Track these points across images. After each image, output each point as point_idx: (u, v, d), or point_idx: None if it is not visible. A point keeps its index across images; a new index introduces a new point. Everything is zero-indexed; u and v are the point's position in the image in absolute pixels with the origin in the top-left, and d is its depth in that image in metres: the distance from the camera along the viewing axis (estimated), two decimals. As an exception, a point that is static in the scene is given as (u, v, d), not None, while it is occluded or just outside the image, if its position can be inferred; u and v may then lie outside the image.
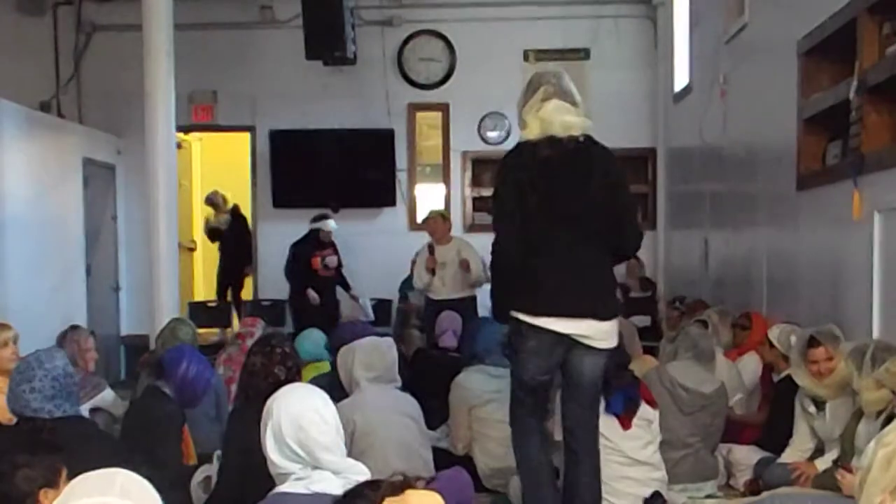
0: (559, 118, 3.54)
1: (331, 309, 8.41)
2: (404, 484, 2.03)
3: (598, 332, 3.55)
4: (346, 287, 8.76)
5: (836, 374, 3.93)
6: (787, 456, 4.27)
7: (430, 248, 7.20)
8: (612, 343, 3.62)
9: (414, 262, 7.52)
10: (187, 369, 4.10)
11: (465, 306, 7.02)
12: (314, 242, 8.57)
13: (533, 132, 3.57)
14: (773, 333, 4.67)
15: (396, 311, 8.84)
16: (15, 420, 3.36)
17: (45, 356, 3.36)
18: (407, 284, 8.35)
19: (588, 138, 3.57)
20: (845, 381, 3.85)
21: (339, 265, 8.68)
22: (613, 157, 3.65)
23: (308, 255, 8.51)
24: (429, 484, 2.07)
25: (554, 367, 3.62)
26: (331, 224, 8.62)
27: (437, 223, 7.33)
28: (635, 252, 3.99)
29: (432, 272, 7.15)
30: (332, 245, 8.64)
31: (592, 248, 3.56)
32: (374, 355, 4.03)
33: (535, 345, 3.54)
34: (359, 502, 2.03)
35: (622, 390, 4.00)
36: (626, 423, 3.99)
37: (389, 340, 4.23)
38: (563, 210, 3.50)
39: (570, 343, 3.55)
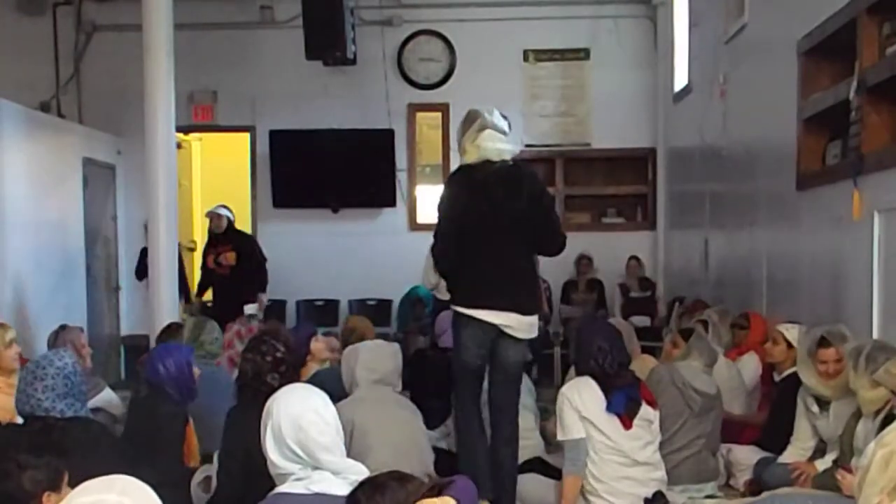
0: (492, 145, 4.17)
1: (226, 312, 7.12)
2: (439, 487, 2.04)
3: (521, 325, 4.16)
4: (261, 287, 7.96)
5: (843, 375, 3.91)
6: (788, 455, 4.27)
7: None
8: (532, 334, 4.25)
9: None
10: (166, 368, 4.08)
11: None
12: (210, 239, 7.95)
13: (471, 157, 4.20)
14: (793, 335, 4.64)
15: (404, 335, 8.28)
16: (21, 420, 3.36)
17: (54, 355, 3.39)
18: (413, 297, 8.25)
19: (516, 161, 4.26)
20: (840, 384, 3.86)
21: (251, 263, 7.87)
22: (537, 175, 4.44)
23: (205, 252, 8.00)
24: (447, 490, 2.07)
25: (486, 354, 4.19)
26: (221, 212, 7.87)
27: None
28: (559, 252, 4.44)
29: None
30: (232, 239, 7.88)
31: (520, 253, 4.22)
32: (378, 358, 4.02)
33: (471, 332, 4.13)
34: (387, 493, 2.03)
35: (623, 390, 3.99)
36: (627, 423, 3.97)
37: (395, 347, 4.20)
38: (497, 221, 4.13)
39: (498, 332, 4.14)
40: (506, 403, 4.28)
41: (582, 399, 3.97)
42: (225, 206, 8.04)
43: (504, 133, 4.23)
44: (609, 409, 3.95)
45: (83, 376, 3.45)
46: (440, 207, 4.29)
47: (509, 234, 4.14)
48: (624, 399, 3.98)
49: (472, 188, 4.16)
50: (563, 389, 4.08)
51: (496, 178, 4.15)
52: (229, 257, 7.80)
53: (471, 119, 4.25)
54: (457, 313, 4.20)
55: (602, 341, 4.08)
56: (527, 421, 4.92)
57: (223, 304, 7.69)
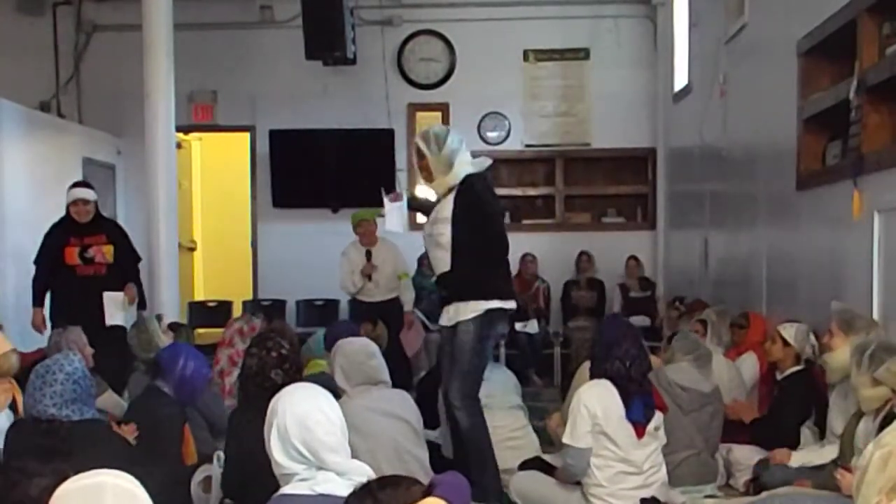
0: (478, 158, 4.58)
1: (94, 324, 5.53)
2: (430, 488, 2.05)
3: None
4: (138, 298, 6.13)
5: (833, 356, 4.03)
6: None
7: (369, 254, 7.10)
8: None
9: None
10: (185, 366, 4.11)
11: (394, 307, 7.09)
12: (69, 225, 6.01)
13: (469, 168, 4.45)
14: (790, 332, 4.64)
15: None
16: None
17: (64, 360, 3.38)
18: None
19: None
20: (843, 369, 3.89)
21: (130, 260, 6.13)
22: None
23: (60, 243, 6.01)
24: (433, 491, 2.07)
25: None
26: (84, 193, 6.04)
27: (372, 227, 7.24)
28: None
29: (369, 278, 7.11)
30: (105, 228, 6.12)
31: None
32: (354, 364, 3.90)
33: (496, 326, 4.45)
34: (383, 495, 2.04)
35: (642, 398, 3.88)
36: (640, 432, 3.86)
37: (373, 347, 4.09)
38: (503, 220, 4.62)
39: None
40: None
41: (601, 405, 3.83)
42: (86, 185, 6.28)
43: None
44: (629, 416, 3.83)
45: (91, 380, 3.46)
46: (482, 209, 4.42)
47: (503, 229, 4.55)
48: (642, 407, 3.87)
49: (493, 193, 4.58)
50: (581, 391, 3.92)
51: (489, 182, 4.57)
52: (105, 251, 6.00)
53: (446, 134, 4.51)
54: (490, 310, 4.38)
55: (631, 346, 3.95)
56: (517, 420, 4.92)
57: (90, 313, 5.73)
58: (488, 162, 4.58)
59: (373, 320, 6.35)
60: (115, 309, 5.91)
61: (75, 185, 6.07)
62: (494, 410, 4.72)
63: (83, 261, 5.94)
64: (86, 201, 5.98)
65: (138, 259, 6.23)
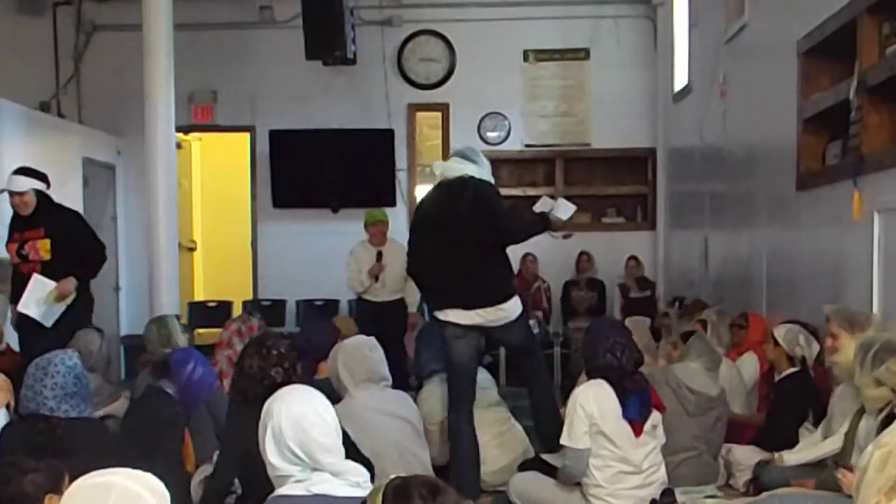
0: (449, 165, 4.69)
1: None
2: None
3: (494, 315, 4.51)
4: (84, 273, 5.55)
5: (841, 355, 3.98)
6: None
7: (379, 255, 7.08)
8: (516, 313, 4.59)
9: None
10: (193, 371, 4.12)
11: (399, 308, 7.11)
12: (16, 216, 5.50)
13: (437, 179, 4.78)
14: (780, 332, 4.65)
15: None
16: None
17: (64, 356, 3.44)
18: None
19: (472, 177, 4.57)
20: (851, 368, 3.88)
21: (77, 255, 5.50)
22: (487, 184, 4.65)
23: (7, 237, 5.56)
24: None
25: (473, 352, 4.62)
26: (15, 184, 5.37)
27: (384, 227, 7.25)
28: (520, 240, 4.80)
29: (376, 278, 7.13)
30: (45, 220, 5.45)
31: (475, 250, 4.48)
32: (356, 358, 3.92)
33: (451, 332, 4.54)
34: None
35: (638, 395, 3.89)
36: (637, 430, 3.87)
37: (373, 341, 4.10)
38: (447, 226, 4.51)
39: (478, 329, 4.55)
40: (532, 371, 4.83)
41: (598, 405, 3.84)
42: (27, 172, 5.50)
43: (465, 156, 4.66)
44: (625, 414, 3.84)
45: (87, 378, 3.48)
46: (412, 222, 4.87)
47: (460, 235, 4.48)
48: (638, 404, 3.88)
49: (428, 202, 4.76)
50: (577, 393, 3.93)
51: (446, 189, 4.62)
52: (40, 247, 5.36)
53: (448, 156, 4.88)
54: (434, 317, 4.69)
55: (617, 336, 3.99)
56: (500, 416, 4.97)
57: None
58: (461, 172, 4.61)
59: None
60: (36, 297, 5.21)
61: (14, 171, 5.35)
62: (477, 410, 4.74)
63: (20, 258, 5.38)
64: (19, 193, 5.30)
65: (96, 248, 5.57)
